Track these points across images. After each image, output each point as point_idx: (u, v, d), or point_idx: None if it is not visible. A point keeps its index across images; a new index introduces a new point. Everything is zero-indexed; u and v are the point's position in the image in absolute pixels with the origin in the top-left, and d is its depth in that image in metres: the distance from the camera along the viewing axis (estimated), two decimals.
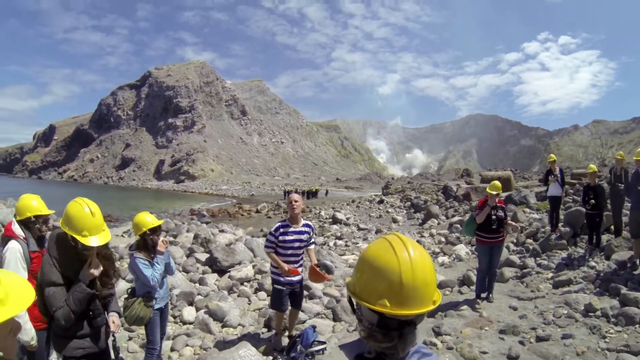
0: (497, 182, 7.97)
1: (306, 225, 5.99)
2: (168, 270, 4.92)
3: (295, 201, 5.85)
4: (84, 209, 3.06)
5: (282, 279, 5.82)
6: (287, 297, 5.99)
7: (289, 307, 6.17)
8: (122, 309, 4.70)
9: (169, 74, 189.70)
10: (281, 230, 5.80)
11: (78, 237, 3.00)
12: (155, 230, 4.70)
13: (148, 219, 4.66)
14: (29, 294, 1.28)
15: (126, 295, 4.78)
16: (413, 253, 1.36)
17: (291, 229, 5.81)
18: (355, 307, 1.46)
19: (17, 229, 4.18)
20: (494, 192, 7.71)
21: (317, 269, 5.59)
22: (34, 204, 4.25)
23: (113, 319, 3.40)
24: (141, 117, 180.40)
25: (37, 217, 4.20)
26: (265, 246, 5.94)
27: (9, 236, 4.13)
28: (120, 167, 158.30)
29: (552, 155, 12.40)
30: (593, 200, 9.54)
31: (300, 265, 5.99)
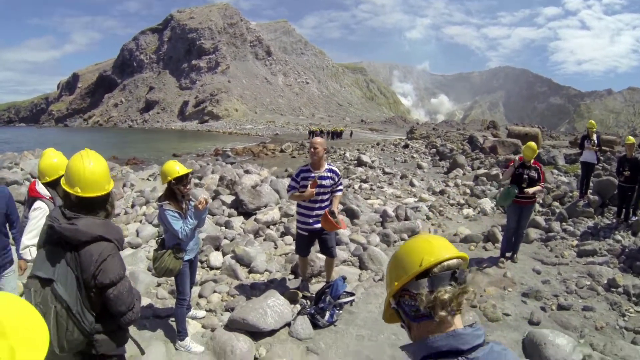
0: (533, 144, 7.80)
1: (329, 170, 5.75)
2: (199, 224, 4.79)
3: (316, 147, 5.61)
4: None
5: (304, 226, 5.76)
6: (308, 242, 5.97)
7: (310, 253, 6.24)
8: (152, 261, 4.74)
9: (191, 16, 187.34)
10: (302, 175, 5.67)
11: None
12: (182, 179, 4.49)
13: (176, 168, 4.44)
14: (42, 345, 0.88)
15: (155, 247, 4.78)
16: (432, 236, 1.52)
17: (312, 174, 5.63)
18: (403, 310, 1.45)
19: (41, 189, 4.14)
20: (531, 155, 7.65)
21: (330, 216, 5.39)
22: (55, 162, 4.20)
23: None
24: (164, 60, 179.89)
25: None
26: (288, 191, 5.81)
27: (34, 197, 4.09)
28: (144, 110, 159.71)
29: (592, 121, 12.12)
30: (628, 172, 9.29)
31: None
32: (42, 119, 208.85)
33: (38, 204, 3.99)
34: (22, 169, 14.88)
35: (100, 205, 2.52)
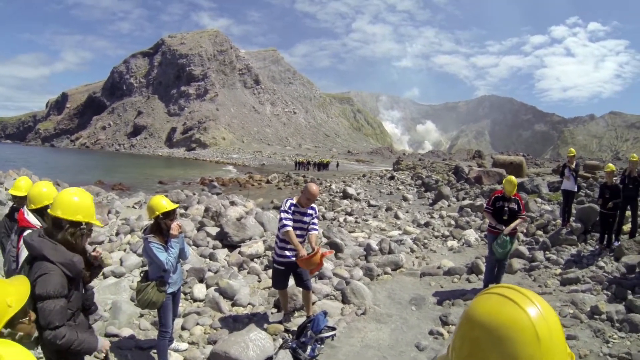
0: (513, 178, 7.91)
1: (311, 207, 6.04)
2: (182, 256, 4.90)
3: (314, 197, 5.89)
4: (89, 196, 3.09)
5: (281, 259, 5.93)
6: (286, 276, 6.10)
7: (289, 286, 6.35)
8: (135, 293, 4.79)
9: (182, 42, 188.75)
10: (293, 209, 5.84)
11: (93, 222, 3.02)
12: (169, 214, 4.62)
13: (163, 203, 4.57)
14: None
15: (139, 279, 4.84)
16: (540, 305, 1.01)
17: (299, 210, 5.88)
18: None
19: (32, 219, 4.04)
20: (511, 189, 7.73)
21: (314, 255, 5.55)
22: (44, 191, 4.11)
23: None
24: (153, 84, 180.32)
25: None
26: (285, 225, 5.73)
27: (24, 227, 3.96)
28: (132, 134, 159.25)
29: (572, 149, 12.41)
30: (611, 203, 9.51)
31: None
32: (29, 137, 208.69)
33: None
34: (6, 189, 14.58)
35: (61, 229, 2.88)
